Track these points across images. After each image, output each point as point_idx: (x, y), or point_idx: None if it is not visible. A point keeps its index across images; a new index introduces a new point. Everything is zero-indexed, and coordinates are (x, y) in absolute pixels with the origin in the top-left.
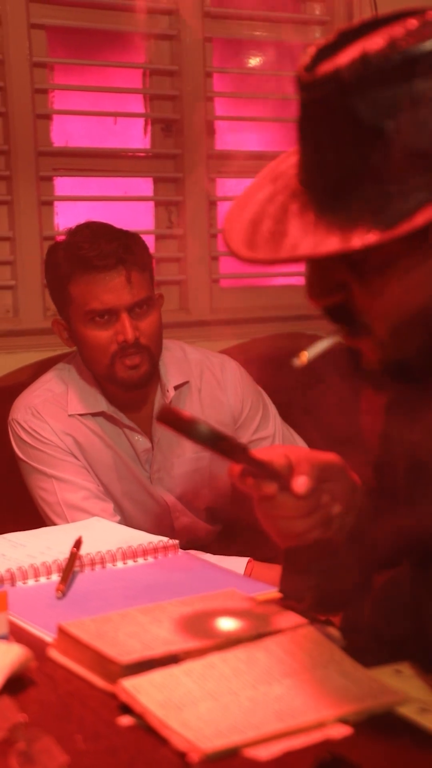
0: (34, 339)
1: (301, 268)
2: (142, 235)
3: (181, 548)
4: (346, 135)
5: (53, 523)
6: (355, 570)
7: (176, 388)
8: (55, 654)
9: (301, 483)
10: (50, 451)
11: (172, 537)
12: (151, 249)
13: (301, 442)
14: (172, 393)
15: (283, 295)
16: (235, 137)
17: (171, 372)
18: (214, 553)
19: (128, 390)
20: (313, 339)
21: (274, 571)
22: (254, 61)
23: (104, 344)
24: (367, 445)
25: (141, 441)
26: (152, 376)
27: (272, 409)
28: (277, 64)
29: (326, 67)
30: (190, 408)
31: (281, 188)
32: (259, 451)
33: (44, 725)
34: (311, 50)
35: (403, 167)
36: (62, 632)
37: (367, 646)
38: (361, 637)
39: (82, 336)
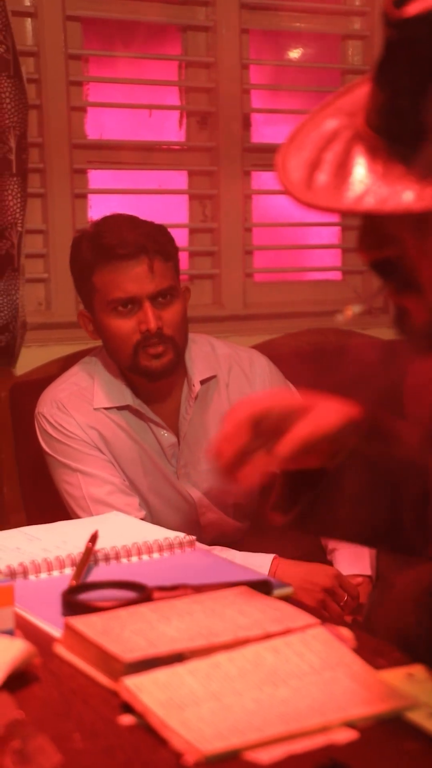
0: (66, 332)
1: (337, 260)
2: (176, 229)
3: (209, 544)
4: None
5: (78, 517)
6: (363, 500)
7: (203, 382)
8: (61, 650)
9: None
10: (76, 445)
11: (199, 533)
12: (185, 243)
13: None
14: (198, 387)
15: (317, 291)
16: (271, 130)
17: (197, 366)
18: (242, 550)
19: (152, 380)
20: (348, 335)
21: (300, 568)
22: (292, 53)
23: (127, 334)
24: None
25: (167, 436)
26: (176, 367)
27: None
28: (316, 55)
29: (419, 4)
30: (218, 402)
31: (342, 127)
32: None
33: (43, 723)
34: None
35: None
36: (69, 628)
37: (380, 648)
38: (375, 639)
39: (106, 326)
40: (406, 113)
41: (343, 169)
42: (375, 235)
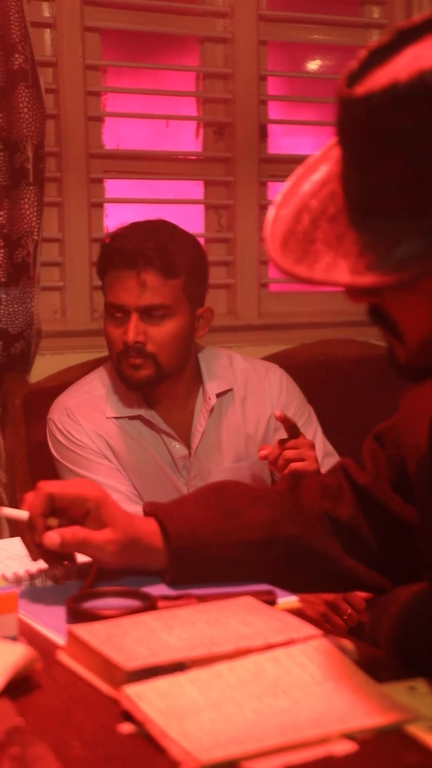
0: (81, 340)
1: None
2: None
3: None
4: (384, 162)
5: None
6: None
7: (218, 395)
8: (64, 658)
9: None
10: (83, 453)
11: None
12: None
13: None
14: (213, 400)
15: (332, 301)
16: (288, 141)
17: (214, 379)
18: None
19: (131, 390)
20: (363, 346)
21: None
22: (309, 65)
23: (114, 340)
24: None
25: (178, 448)
26: (159, 383)
27: (315, 421)
28: (333, 67)
29: (366, 85)
30: (232, 416)
31: (328, 178)
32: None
33: (43, 730)
34: (362, 54)
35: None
36: (72, 636)
37: (383, 661)
38: (378, 651)
39: (104, 328)
40: (365, 188)
41: (313, 232)
42: None
